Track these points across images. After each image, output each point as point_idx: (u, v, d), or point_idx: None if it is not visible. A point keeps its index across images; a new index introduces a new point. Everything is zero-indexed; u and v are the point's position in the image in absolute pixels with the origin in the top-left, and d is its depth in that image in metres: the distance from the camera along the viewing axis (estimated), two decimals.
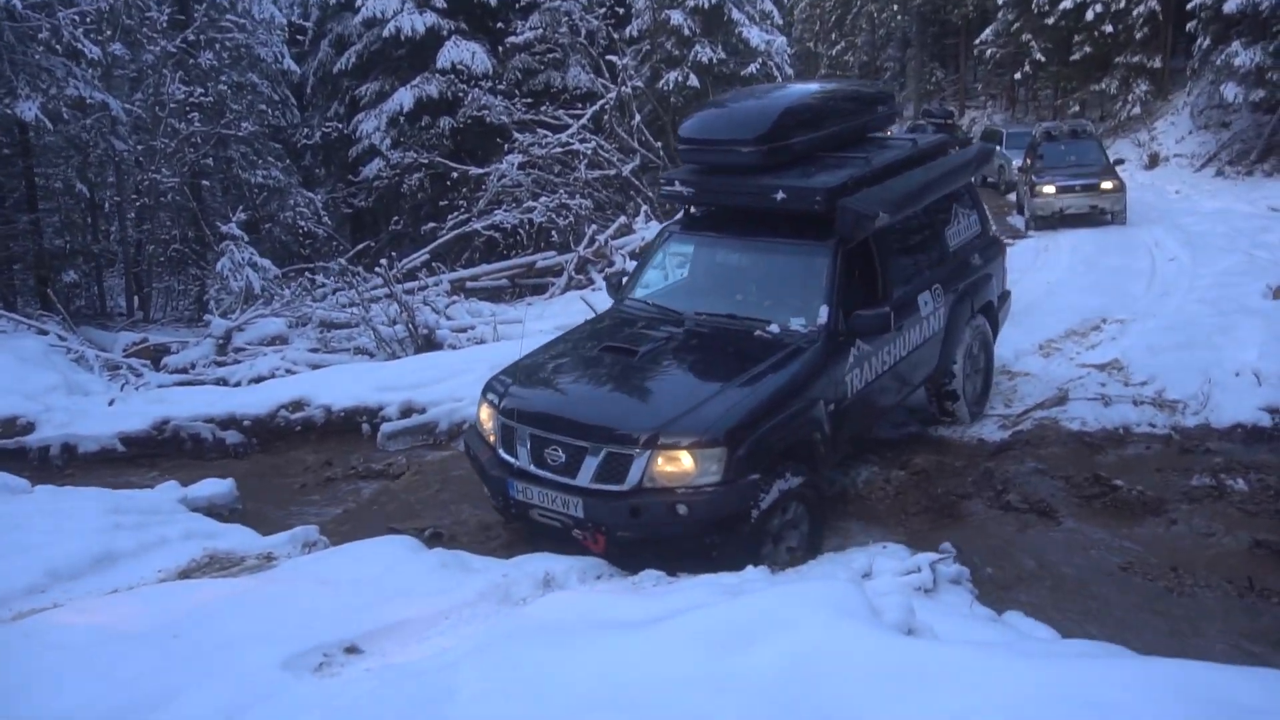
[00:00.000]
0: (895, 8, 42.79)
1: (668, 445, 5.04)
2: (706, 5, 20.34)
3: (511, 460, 5.54)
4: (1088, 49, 27.24)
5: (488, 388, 6.00)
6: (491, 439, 5.77)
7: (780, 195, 6.11)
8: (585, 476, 5.19)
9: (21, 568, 5.04)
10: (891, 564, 4.73)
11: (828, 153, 6.73)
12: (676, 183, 6.83)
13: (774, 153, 6.34)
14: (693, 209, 7.17)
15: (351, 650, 4.10)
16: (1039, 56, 29.25)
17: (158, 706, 3.52)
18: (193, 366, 12.82)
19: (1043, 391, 8.23)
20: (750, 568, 5.07)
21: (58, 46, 14.70)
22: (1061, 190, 17.65)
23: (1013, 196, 20.73)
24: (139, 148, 16.91)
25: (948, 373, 7.28)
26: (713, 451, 5.01)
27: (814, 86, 8.35)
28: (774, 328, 5.90)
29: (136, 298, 19.75)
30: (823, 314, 5.87)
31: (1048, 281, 13.46)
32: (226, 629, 4.17)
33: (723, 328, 6.09)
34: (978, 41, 33.77)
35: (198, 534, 5.80)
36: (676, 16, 20.55)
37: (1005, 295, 8.37)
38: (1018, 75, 31.85)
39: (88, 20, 15.48)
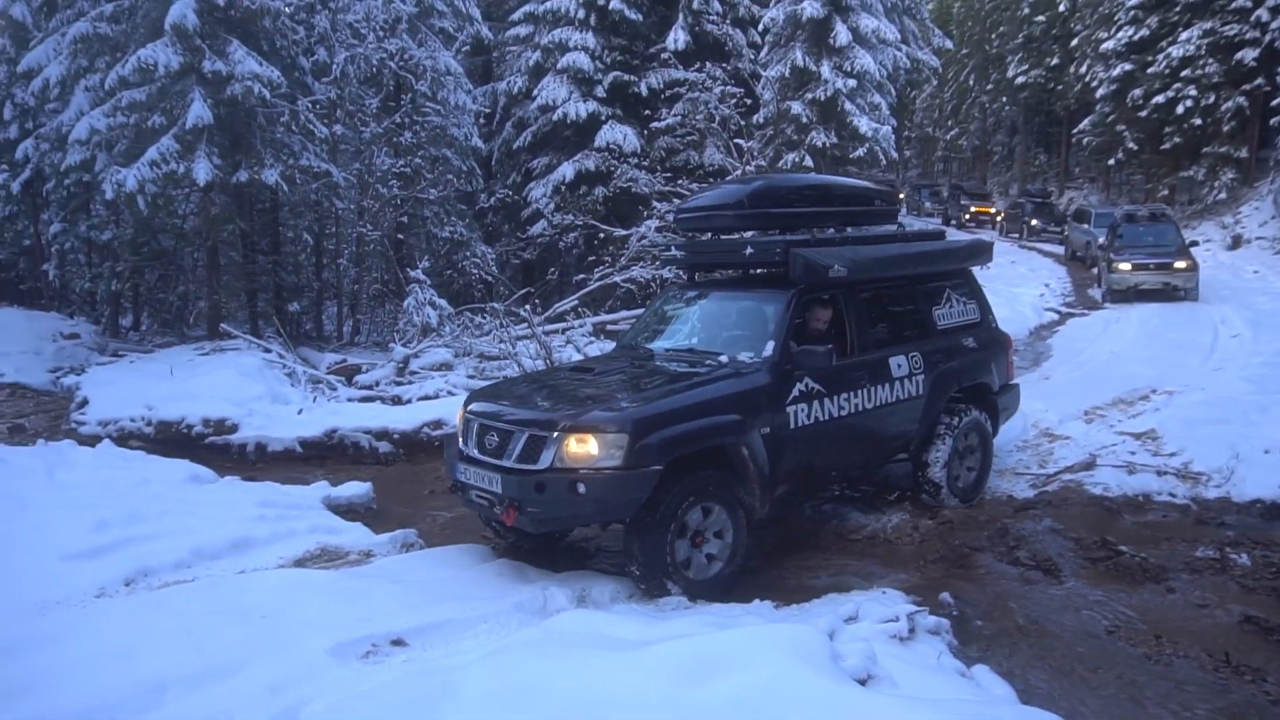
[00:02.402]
0: (1004, 99, 41.12)
1: (578, 429, 4.87)
2: (823, 97, 20.02)
3: (463, 448, 5.48)
4: (1178, 139, 25.46)
5: (467, 397, 6.04)
6: (458, 435, 5.71)
7: (749, 250, 6.17)
8: (510, 457, 5.04)
9: (176, 546, 5.36)
10: (877, 610, 4.46)
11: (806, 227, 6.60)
12: (672, 248, 7.04)
13: (753, 218, 6.42)
14: (697, 276, 7.14)
15: (397, 643, 4.17)
16: (1132, 145, 27.52)
17: (223, 677, 3.68)
18: (377, 384, 13.34)
19: (1076, 455, 7.65)
20: (757, 601, 4.90)
21: (295, 127, 15.72)
22: (1137, 267, 16.56)
23: (1096, 271, 19.58)
24: (353, 207, 17.88)
25: (929, 445, 6.66)
26: (616, 437, 4.79)
27: (814, 176, 8.44)
28: (723, 358, 5.74)
29: (351, 322, 20.83)
30: (768, 348, 5.68)
31: (1111, 351, 12.59)
32: (304, 614, 4.31)
33: (681, 359, 5.97)
34: (1077, 130, 32.07)
35: (321, 529, 6.00)
36: (796, 107, 20.31)
37: (1009, 387, 7.54)
38: (1112, 161, 30.02)
39: (318, 106, 16.51)
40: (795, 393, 5.69)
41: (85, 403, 11.00)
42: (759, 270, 6.65)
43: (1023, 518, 6.52)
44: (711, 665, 3.50)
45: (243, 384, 11.11)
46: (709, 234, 7.02)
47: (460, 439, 5.59)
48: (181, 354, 14.12)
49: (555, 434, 4.89)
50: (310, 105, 16.19)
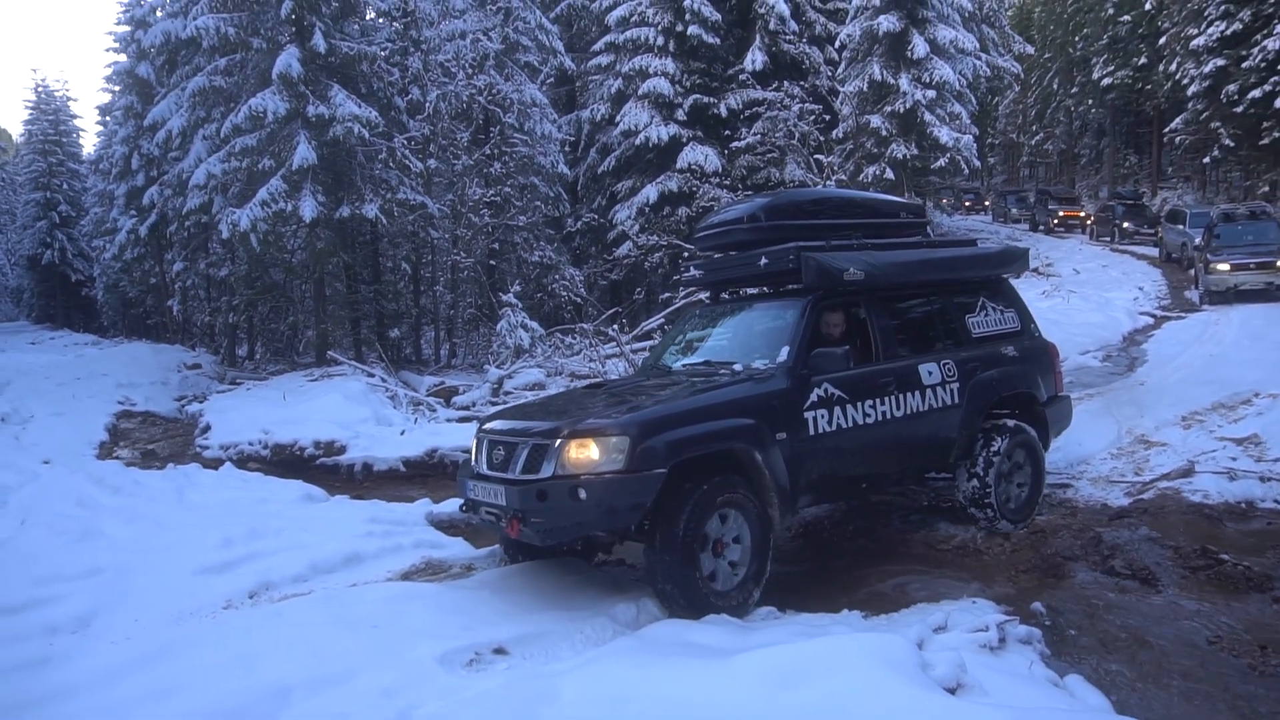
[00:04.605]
0: (1090, 102, 39.69)
1: (578, 434, 4.69)
2: (902, 109, 19.76)
3: (474, 466, 5.35)
4: (1277, 134, 24.17)
5: (482, 419, 5.91)
6: (471, 455, 5.61)
7: (763, 260, 5.94)
8: (515, 470, 4.88)
9: (293, 561, 5.63)
10: (966, 619, 4.39)
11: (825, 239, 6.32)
12: (691, 268, 6.84)
13: (769, 231, 6.15)
14: (719, 295, 6.99)
15: (499, 651, 4.30)
16: (1228, 142, 26.23)
17: (341, 682, 3.85)
18: (473, 405, 13.71)
19: (1173, 462, 7.35)
20: (846, 611, 4.86)
21: (392, 163, 16.35)
22: (1236, 267, 15.81)
23: (1193, 272, 18.75)
24: (447, 236, 18.47)
25: (972, 461, 6.29)
26: (616, 440, 4.58)
27: (832, 190, 8.13)
28: (738, 367, 5.52)
29: (448, 346, 21.45)
30: (783, 353, 5.43)
31: (1210, 354, 12.01)
32: (412, 623, 4.49)
33: (696, 372, 5.78)
34: (1168, 129, 30.71)
35: (425, 544, 6.21)
36: (876, 120, 20.10)
37: (1058, 399, 7.10)
38: (1207, 159, 28.64)
39: (413, 142, 17.14)
40: (813, 398, 5.40)
41: (208, 428, 11.65)
42: (781, 285, 6.43)
43: (1118, 526, 6.28)
44: (800, 672, 3.52)
45: (349, 407, 11.58)
46: (730, 252, 6.75)
47: (473, 458, 5.47)
48: (293, 380, 14.79)
49: (557, 442, 4.73)
50: (405, 142, 16.83)
